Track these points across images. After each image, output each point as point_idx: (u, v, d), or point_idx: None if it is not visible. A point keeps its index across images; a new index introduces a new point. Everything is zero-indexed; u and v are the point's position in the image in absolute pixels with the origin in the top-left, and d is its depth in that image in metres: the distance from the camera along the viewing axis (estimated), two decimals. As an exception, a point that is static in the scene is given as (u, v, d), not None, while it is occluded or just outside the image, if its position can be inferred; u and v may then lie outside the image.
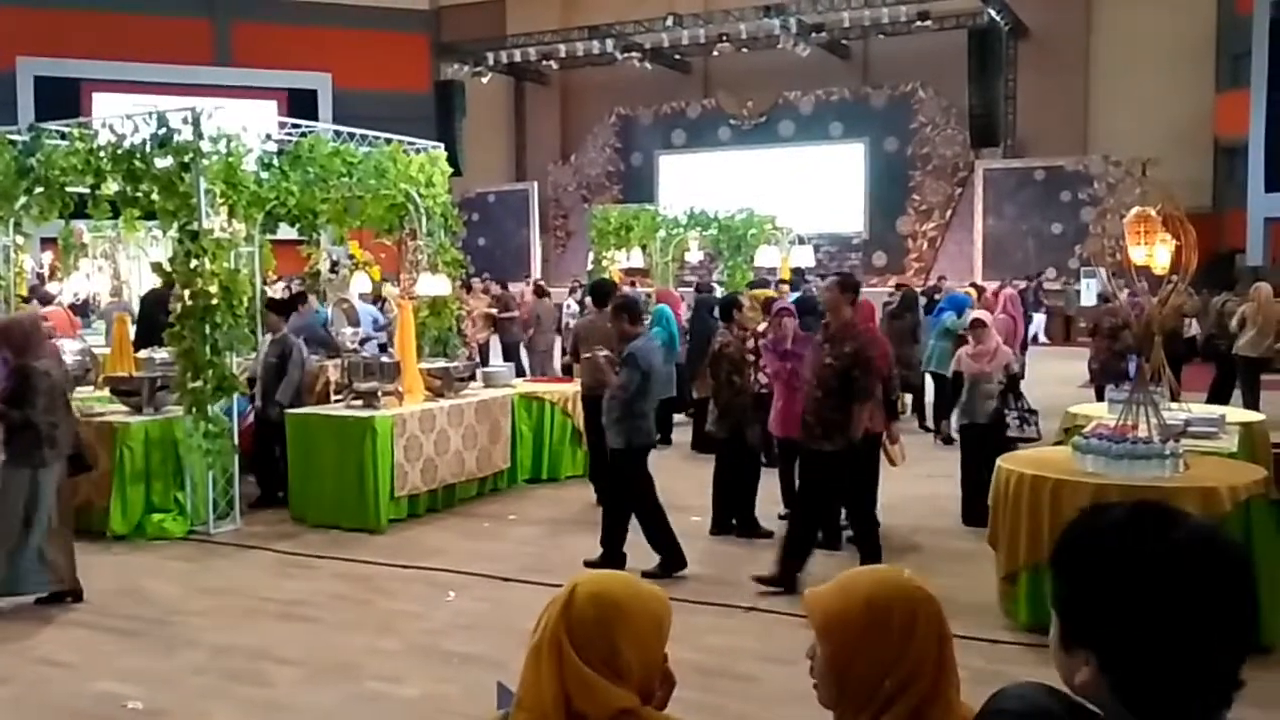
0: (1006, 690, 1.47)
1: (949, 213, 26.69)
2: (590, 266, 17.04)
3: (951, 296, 12.51)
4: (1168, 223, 6.38)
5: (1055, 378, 15.36)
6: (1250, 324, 11.55)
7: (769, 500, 7.96)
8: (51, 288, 12.26)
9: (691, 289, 14.84)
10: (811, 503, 6.63)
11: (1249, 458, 6.53)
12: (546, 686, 1.79)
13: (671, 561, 6.79)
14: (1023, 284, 20.97)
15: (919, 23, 24.76)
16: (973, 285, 17.17)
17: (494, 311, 15.98)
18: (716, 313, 10.51)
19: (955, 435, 8.64)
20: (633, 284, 15.53)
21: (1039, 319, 22.43)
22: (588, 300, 10.49)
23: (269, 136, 8.59)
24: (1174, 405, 7.32)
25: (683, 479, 9.45)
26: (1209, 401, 10.23)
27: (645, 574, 6.61)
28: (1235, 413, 8.08)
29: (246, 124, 8.31)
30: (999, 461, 6.18)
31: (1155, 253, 6.35)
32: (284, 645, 5.62)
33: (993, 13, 24.16)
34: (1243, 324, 11.65)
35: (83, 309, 12.57)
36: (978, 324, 8.10)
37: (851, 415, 6.40)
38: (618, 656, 1.84)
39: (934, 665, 1.76)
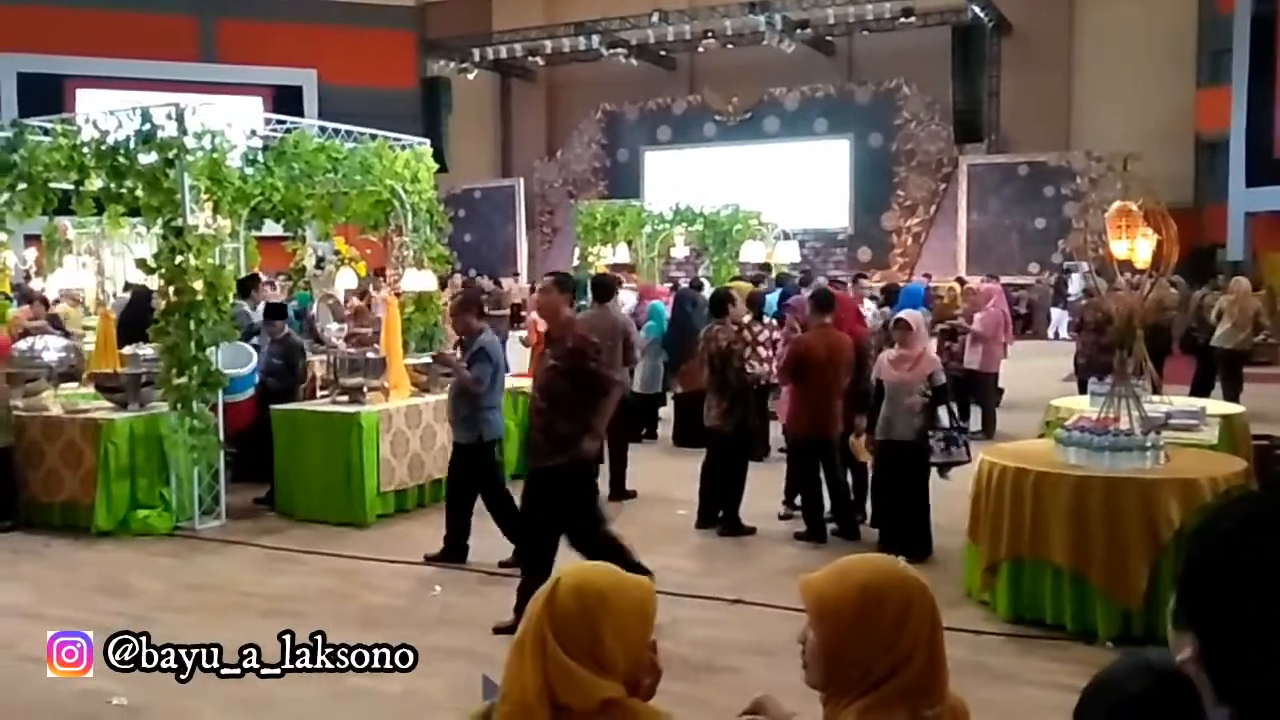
0: (1117, 662, 1.53)
1: (933, 208, 26.79)
2: (576, 262, 17.07)
3: (907, 289, 12.49)
4: (1149, 217, 6.43)
5: (1039, 371, 15.45)
6: (1227, 317, 11.65)
7: (761, 495, 7.99)
8: (35, 284, 12.19)
9: (682, 285, 14.82)
10: (533, 526, 5.89)
11: (1230, 450, 6.60)
12: (530, 679, 1.79)
13: (454, 549, 6.99)
14: (1031, 279, 21.02)
15: (903, 19, 24.84)
16: (957, 280, 17.28)
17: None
18: (701, 308, 10.56)
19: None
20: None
21: (1058, 314, 22.28)
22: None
23: (254, 132, 8.57)
24: (1155, 398, 7.39)
25: (667, 473, 9.49)
26: (1191, 394, 10.31)
27: (503, 564, 6.81)
28: (1216, 405, 8.15)
29: (232, 120, 8.29)
30: (981, 454, 6.21)
31: (1137, 247, 6.40)
32: (268, 640, 5.61)
33: (976, 9, 24.27)
34: (1220, 317, 11.75)
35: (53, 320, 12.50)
36: (900, 325, 6.97)
37: (587, 426, 5.71)
38: (601, 647, 1.83)
39: (925, 653, 1.79)
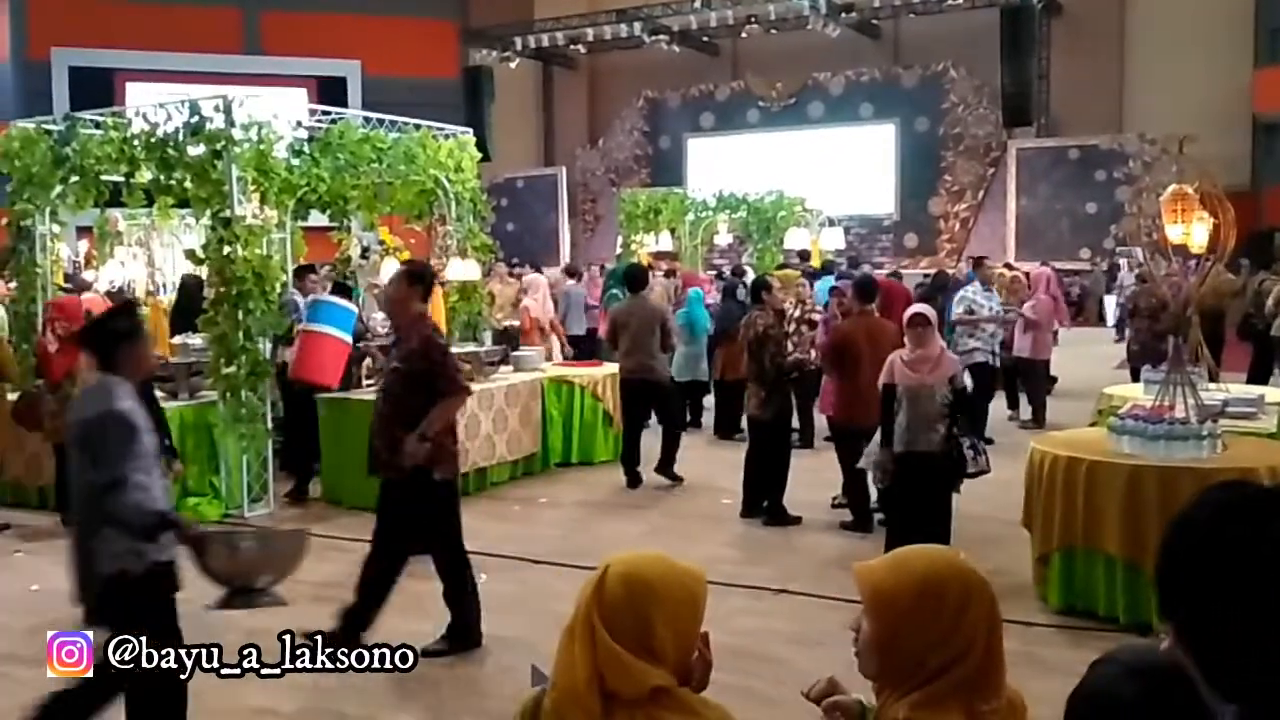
0: (1103, 666, 1.53)
1: (981, 193, 26.40)
2: (619, 250, 17.04)
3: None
4: (1205, 201, 6.28)
5: (1090, 358, 15.22)
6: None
7: (806, 484, 7.94)
8: (88, 275, 12.39)
9: (726, 273, 14.76)
10: (378, 544, 5.54)
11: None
12: (580, 666, 1.79)
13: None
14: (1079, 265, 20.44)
15: (950, 1, 24.47)
16: (1005, 266, 17.00)
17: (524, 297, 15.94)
18: (743, 296, 10.52)
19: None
20: (650, 268, 15.49)
21: (1110, 301, 21.73)
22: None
23: (299, 124, 8.64)
24: (1212, 386, 7.23)
25: (712, 462, 9.46)
26: (1249, 382, 10.09)
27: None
28: (1275, 393, 7.97)
29: (277, 112, 8.36)
30: (1032, 443, 6.10)
31: (1192, 231, 6.26)
32: (317, 627, 5.66)
33: (1025, -10, 23.84)
34: (1278, 303, 11.47)
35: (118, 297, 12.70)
36: (918, 321, 6.23)
37: (452, 435, 5.36)
38: (651, 636, 1.84)
39: (982, 648, 1.76)
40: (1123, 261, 19.59)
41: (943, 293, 11.89)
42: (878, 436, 6.36)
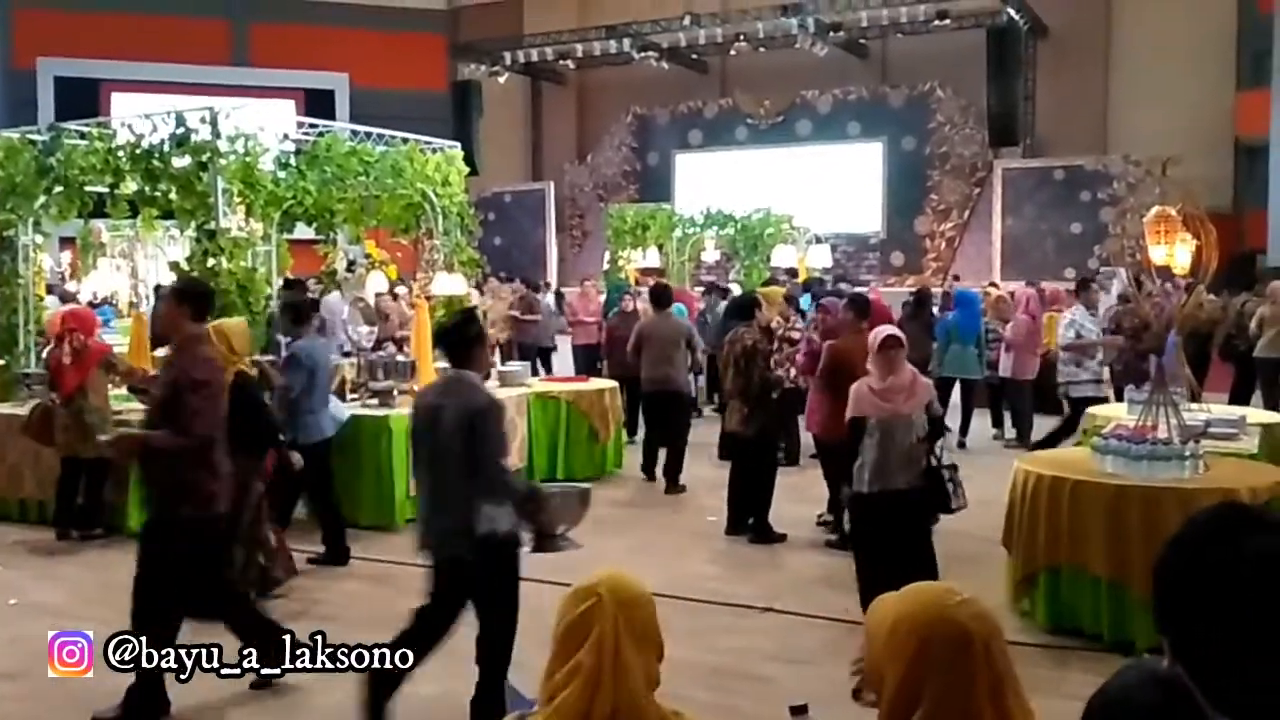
0: (1122, 674, 1.54)
1: (967, 212, 26.53)
2: (606, 266, 17.05)
3: (961, 294, 12.21)
4: (1187, 222, 6.33)
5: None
6: (1269, 325, 11.43)
7: (792, 501, 7.92)
8: (70, 286, 12.33)
9: (715, 290, 14.80)
10: (145, 594, 5.06)
11: (1270, 459, 6.47)
12: (601, 700, 1.80)
13: (338, 553, 7.09)
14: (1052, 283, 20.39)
15: (937, 22, 24.63)
16: (991, 285, 17.06)
17: (515, 314, 15.95)
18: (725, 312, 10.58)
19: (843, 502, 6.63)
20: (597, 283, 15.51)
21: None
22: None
23: (286, 136, 8.62)
24: (1194, 406, 7.26)
25: (698, 479, 9.46)
26: (1231, 403, 10.14)
27: (311, 560, 7.00)
28: (1256, 414, 8.01)
29: (264, 124, 8.34)
30: (1017, 463, 6.11)
31: (1175, 252, 6.30)
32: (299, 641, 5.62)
33: (1011, 11, 24.00)
34: (1261, 325, 11.53)
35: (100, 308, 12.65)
36: (892, 344, 5.64)
37: (207, 471, 4.79)
38: (661, 652, 1.92)
39: (961, 700, 1.66)
40: (1110, 282, 19.60)
41: (925, 309, 11.90)
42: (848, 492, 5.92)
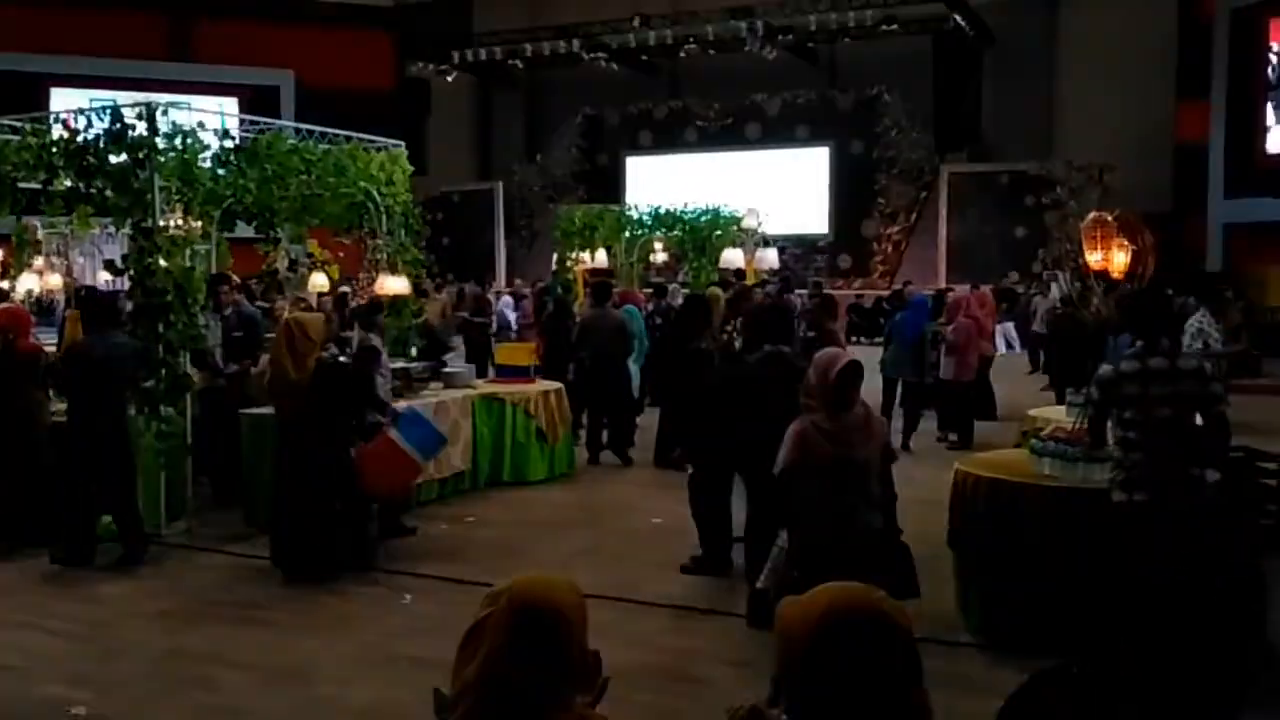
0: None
1: (914, 216, 26.86)
2: (555, 267, 17.00)
3: (915, 300, 12.27)
4: (1124, 227, 6.45)
5: (1021, 379, 15.49)
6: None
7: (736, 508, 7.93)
8: (2, 285, 12.02)
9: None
10: None
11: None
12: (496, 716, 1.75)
13: (138, 550, 7.02)
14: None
15: (885, 27, 24.91)
16: (947, 289, 17.19)
17: (465, 314, 15.84)
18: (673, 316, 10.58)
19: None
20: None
21: (1004, 328, 20.89)
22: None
23: (226, 133, 8.46)
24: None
25: (641, 482, 9.46)
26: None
27: (54, 559, 6.92)
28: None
29: (204, 120, 8.19)
30: (957, 464, 6.16)
31: (1112, 257, 6.42)
32: (235, 649, 5.53)
33: (958, 18, 24.35)
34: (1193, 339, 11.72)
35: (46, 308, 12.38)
36: (852, 372, 4.44)
37: None
38: (571, 663, 1.83)
39: (892, 693, 1.71)
40: (1050, 284, 19.86)
41: (903, 312, 11.74)
42: (781, 540, 4.73)
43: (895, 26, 24.79)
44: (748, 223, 17.91)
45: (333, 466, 6.50)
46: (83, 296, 8.09)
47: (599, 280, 11.61)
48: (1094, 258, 6.33)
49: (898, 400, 11.02)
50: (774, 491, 4.47)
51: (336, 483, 6.52)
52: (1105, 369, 4.74)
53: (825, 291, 10.61)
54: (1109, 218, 6.45)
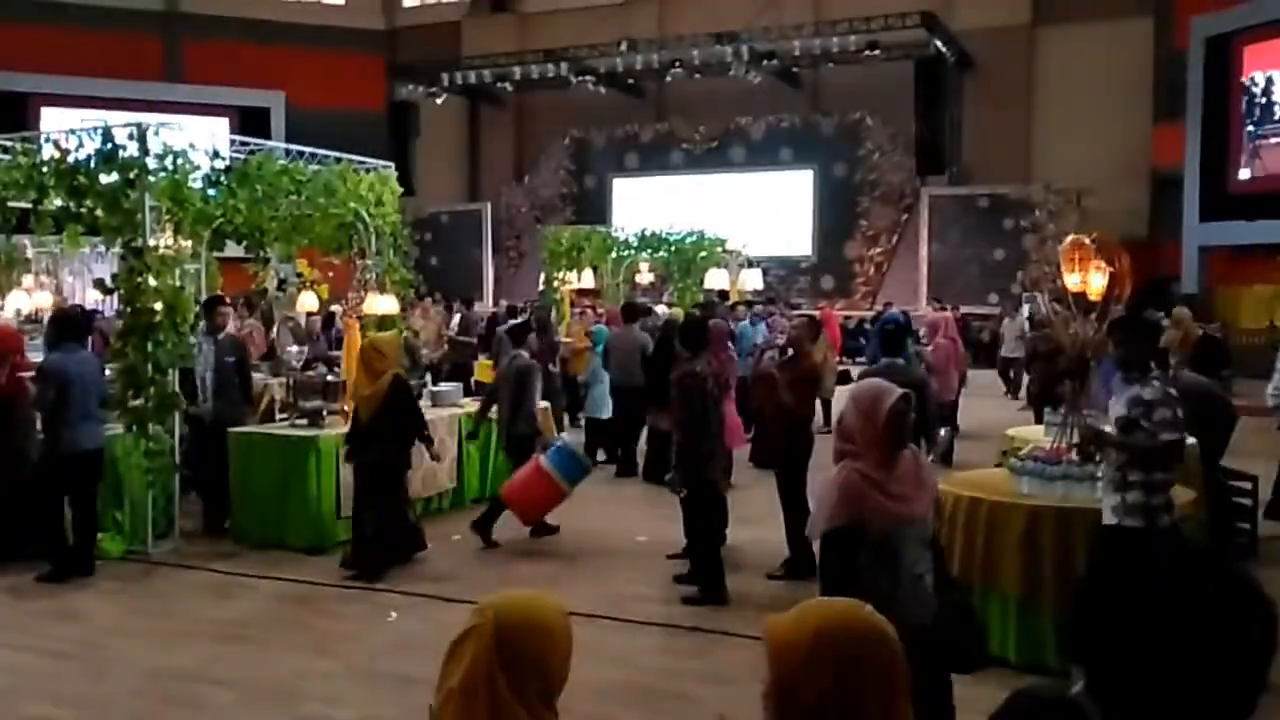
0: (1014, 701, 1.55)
1: (895, 238, 27.07)
2: (541, 287, 17.09)
3: (887, 316, 12.35)
4: (1102, 250, 6.56)
5: (999, 399, 15.63)
6: (1176, 352, 11.76)
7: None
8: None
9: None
10: None
11: (1184, 480, 6.68)
12: None
13: (64, 567, 7.03)
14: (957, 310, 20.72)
15: (868, 52, 25.18)
16: (941, 305, 17.21)
17: (451, 333, 15.88)
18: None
19: None
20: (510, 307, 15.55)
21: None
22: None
23: (216, 153, 8.52)
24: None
25: (625, 501, 9.51)
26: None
27: (40, 578, 7.00)
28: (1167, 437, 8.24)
29: (195, 140, 8.25)
30: (939, 484, 6.24)
31: (1090, 279, 6.52)
32: (221, 667, 5.56)
33: (939, 44, 24.65)
34: (1171, 351, 11.86)
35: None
36: (900, 410, 3.52)
37: None
38: (553, 682, 1.86)
39: (883, 707, 1.70)
40: (1022, 308, 19.89)
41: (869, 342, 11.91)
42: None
43: (877, 52, 25.07)
44: (731, 245, 18.07)
45: (394, 469, 7.26)
46: (51, 315, 8.07)
47: (629, 302, 12.34)
48: (1072, 280, 6.42)
49: None
50: (821, 561, 3.58)
51: (387, 484, 7.19)
52: (1118, 409, 4.82)
53: (810, 313, 10.69)
54: (1087, 240, 6.55)
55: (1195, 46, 22.01)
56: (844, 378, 13.36)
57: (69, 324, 7.54)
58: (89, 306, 11.93)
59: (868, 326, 22.54)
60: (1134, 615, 1.24)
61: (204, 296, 9.04)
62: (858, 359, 21.78)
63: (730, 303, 15.21)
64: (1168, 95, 23.92)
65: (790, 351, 7.95)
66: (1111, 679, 1.26)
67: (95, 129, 7.73)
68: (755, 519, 7.96)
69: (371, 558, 7.12)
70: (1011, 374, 16.62)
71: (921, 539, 3.60)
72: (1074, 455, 5.79)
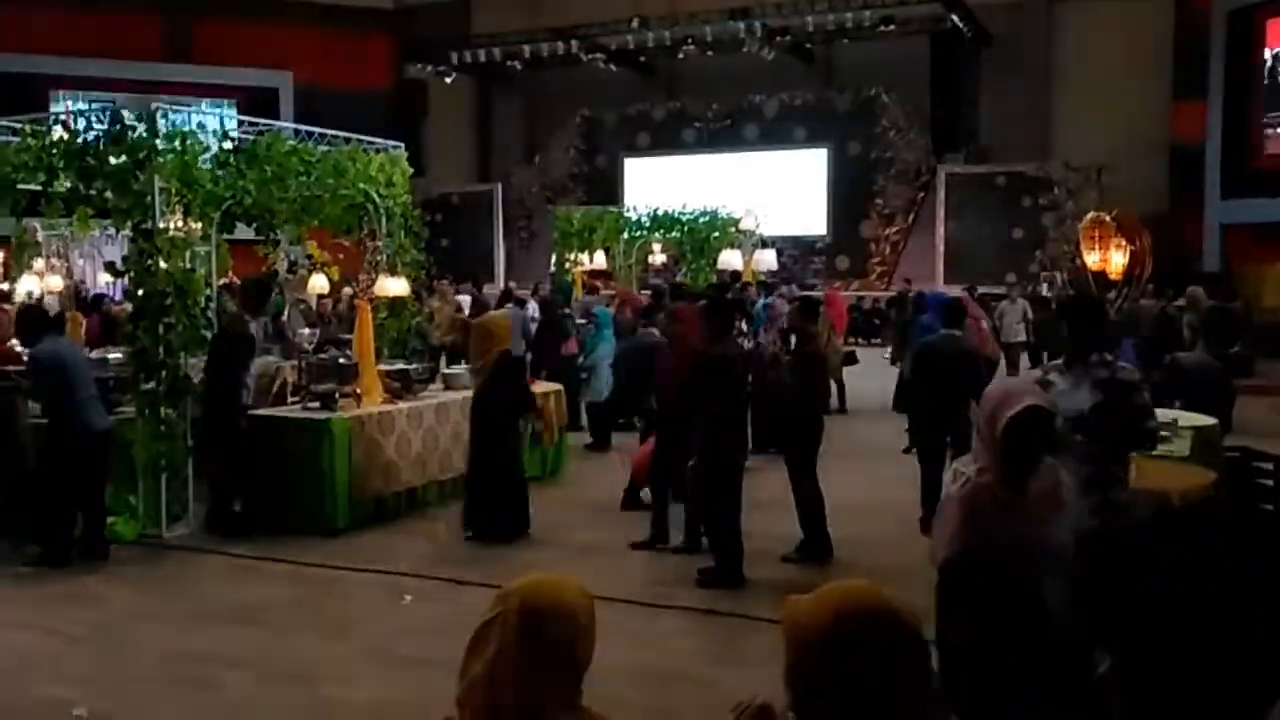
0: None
1: (911, 217, 26.87)
2: (553, 269, 17.02)
3: (935, 298, 12.09)
4: (1123, 228, 6.47)
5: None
6: (1198, 333, 11.63)
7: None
8: (4, 285, 12.05)
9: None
10: None
11: (1201, 462, 6.60)
12: (504, 713, 1.76)
13: (53, 553, 6.94)
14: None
15: (883, 28, 24.92)
16: (967, 290, 17.01)
17: (463, 316, 15.79)
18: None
19: None
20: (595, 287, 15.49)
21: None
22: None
23: (226, 134, 8.46)
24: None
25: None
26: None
27: (26, 563, 6.94)
28: (1188, 417, 8.17)
29: (204, 122, 8.20)
30: (955, 465, 6.16)
31: (1110, 257, 6.44)
32: (235, 649, 5.55)
33: (956, 19, 24.37)
34: (1193, 333, 11.73)
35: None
36: (1026, 425, 2.99)
37: None
38: (578, 667, 1.84)
39: (902, 692, 1.70)
40: (1041, 286, 19.73)
41: (926, 313, 11.55)
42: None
43: (893, 27, 24.82)
44: (746, 224, 17.93)
45: (498, 442, 7.66)
46: (21, 307, 8.07)
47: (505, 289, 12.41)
48: (1092, 258, 6.34)
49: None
50: (939, 594, 3.11)
51: (497, 457, 7.66)
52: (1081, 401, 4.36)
53: (806, 294, 10.57)
54: (1107, 218, 6.47)
55: (1217, 20, 21.73)
56: (849, 358, 13.29)
57: (42, 315, 7.54)
58: (98, 290, 11.89)
59: (881, 307, 22.43)
60: (1155, 602, 1.21)
61: (215, 279, 8.99)
62: (873, 340, 21.72)
63: (740, 284, 15.11)
64: (1189, 70, 23.60)
65: (793, 335, 7.91)
66: (1137, 661, 1.23)
67: (104, 110, 7.68)
68: (767, 503, 7.91)
69: (485, 518, 7.60)
70: (1013, 358, 16.48)
71: (1059, 569, 3.04)
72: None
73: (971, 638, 3.02)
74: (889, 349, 16.41)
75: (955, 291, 14.90)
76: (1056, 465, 3.18)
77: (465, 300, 15.42)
